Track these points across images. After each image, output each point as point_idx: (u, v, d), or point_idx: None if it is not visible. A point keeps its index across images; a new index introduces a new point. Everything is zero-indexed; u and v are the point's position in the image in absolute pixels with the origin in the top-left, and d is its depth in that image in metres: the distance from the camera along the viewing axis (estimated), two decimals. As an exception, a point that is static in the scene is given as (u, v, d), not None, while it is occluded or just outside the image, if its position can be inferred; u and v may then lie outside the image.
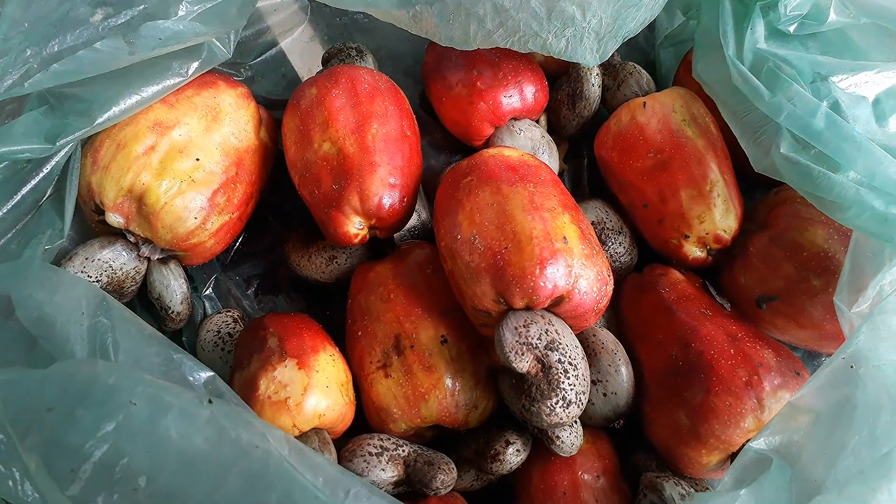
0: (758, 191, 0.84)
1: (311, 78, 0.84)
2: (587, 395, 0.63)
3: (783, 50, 0.67)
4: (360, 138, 0.76)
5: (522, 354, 0.62)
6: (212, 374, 0.60)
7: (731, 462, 0.62)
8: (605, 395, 0.71)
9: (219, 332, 0.82)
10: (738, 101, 0.69)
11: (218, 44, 0.75)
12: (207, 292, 0.90)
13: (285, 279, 0.92)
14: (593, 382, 0.71)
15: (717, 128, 0.79)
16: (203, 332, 0.82)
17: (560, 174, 0.96)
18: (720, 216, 0.76)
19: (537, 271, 0.62)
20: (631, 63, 0.89)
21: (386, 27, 0.78)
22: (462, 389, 0.69)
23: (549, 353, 0.62)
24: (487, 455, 0.68)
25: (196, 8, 0.68)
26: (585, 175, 0.97)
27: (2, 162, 0.68)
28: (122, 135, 0.74)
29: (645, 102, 0.82)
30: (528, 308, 0.65)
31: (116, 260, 0.77)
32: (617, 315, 0.82)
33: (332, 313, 0.88)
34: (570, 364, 0.62)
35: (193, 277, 0.90)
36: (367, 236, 0.78)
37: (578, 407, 0.62)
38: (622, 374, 0.71)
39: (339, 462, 0.67)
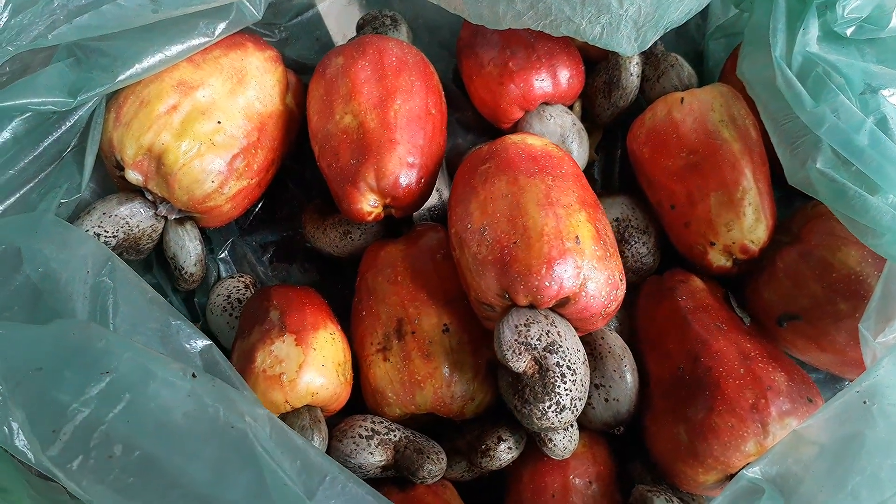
0: (797, 199, 0.78)
1: (340, 46, 0.82)
2: (584, 401, 0.62)
3: (835, 55, 0.62)
4: (383, 113, 0.74)
5: (520, 354, 0.60)
6: (209, 342, 0.60)
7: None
8: (606, 400, 0.69)
9: (228, 297, 0.82)
10: (780, 107, 0.64)
11: (248, 4, 0.74)
12: (223, 255, 0.90)
13: (301, 249, 0.91)
14: (596, 386, 0.69)
15: (758, 131, 0.74)
16: (213, 296, 0.83)
17: (590, 164, 0.93)
18: (749, 226, 0.72)
19: (544, 270, 0.60)
20: (673, 54, 0.84)
21: (425, -4, 0.75)
22: (459, 381, 0.68)
23: (548, 355, 0.60)
24: (478, 449, 0.67)
25: (225, -33, 0.67)
26: (617, 168, 0.94)
27: (24, 113, 0.68)
28: (146, 92, 0.74)
29: (683, 98, 0.77)
30: (531, 306, 0.63)
31: (133, 217, 0.77)
32: (631, 317, 0.79)
33: (343, 287, 0.87)
34: (569, 368, 0.60)
35: (211, 239, 0.90)
36: (382, 214, 0.77)
37: (573, 413, 0.60)
38: (627, 380, 0.69)
39: (330, 441, 0.67)
